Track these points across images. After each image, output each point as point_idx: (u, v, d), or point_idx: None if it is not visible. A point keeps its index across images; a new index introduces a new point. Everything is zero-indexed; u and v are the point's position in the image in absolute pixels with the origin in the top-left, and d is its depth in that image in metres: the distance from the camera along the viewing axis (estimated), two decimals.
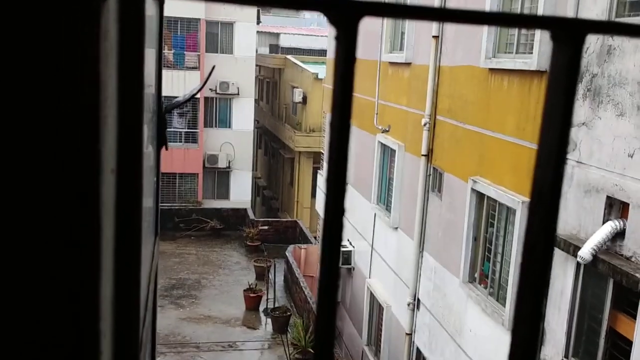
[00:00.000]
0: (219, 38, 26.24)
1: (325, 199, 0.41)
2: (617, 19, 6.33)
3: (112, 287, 0.64)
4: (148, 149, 1.25)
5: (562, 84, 0.36)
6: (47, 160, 0.45)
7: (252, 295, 17.77)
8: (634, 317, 5.87)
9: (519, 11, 8.30)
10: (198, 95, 25.05)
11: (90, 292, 0.50)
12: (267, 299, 17.52)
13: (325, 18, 0.39)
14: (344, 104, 0.38)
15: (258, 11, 27.26)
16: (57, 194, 0.45)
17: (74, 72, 0.43)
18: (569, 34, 0.35)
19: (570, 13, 6.92)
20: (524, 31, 8.31)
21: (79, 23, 0.43)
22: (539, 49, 7.52)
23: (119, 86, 0.62)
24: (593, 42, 6.54)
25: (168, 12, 24.37)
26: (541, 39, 7.51)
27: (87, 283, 0.49)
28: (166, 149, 1.66)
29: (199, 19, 25.24)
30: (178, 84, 24.48)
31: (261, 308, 17.78)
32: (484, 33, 8.81)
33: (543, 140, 0.38)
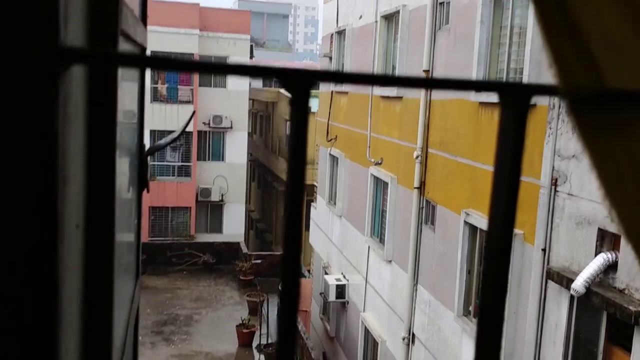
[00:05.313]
0: None
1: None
2: None
3: (81, 341, 0.63)
4: (129, 192, 1.25)
5: (510, 144, 0.36)
6: (3, 216, 0.45)
7: (245, 331, 17.53)
8: (629, 350, 5.82)
9: (506, 54, 8.42)
10: (191, 129, 25.18)
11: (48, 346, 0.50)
12: (260, 335, 17.29)
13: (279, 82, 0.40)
14: (297, 162, 0.39)
15: (251, 46, 27.60)
16: (14, 249, 0.45)
17: (31, 134, 0.44)
18: (515, 97, 0.36)
19: None
20: (512, 65, 8.43)
21: (37, 89, 0.44)
22: (528, 82, 7.61)
23: (89, 146, 0.63)
24: None
25: (162, 47, 24.64)
26: (529, 73, 7.61)
27: (43, 342, 0.48)
28: (147, 191, 1.66)
29: (193, 54, 25.51)
30: (171, 117, 24.64)
31: (254, 344, 17.53)
32: (474, 66, 8.93)
33: (493, 203, 0.38)
